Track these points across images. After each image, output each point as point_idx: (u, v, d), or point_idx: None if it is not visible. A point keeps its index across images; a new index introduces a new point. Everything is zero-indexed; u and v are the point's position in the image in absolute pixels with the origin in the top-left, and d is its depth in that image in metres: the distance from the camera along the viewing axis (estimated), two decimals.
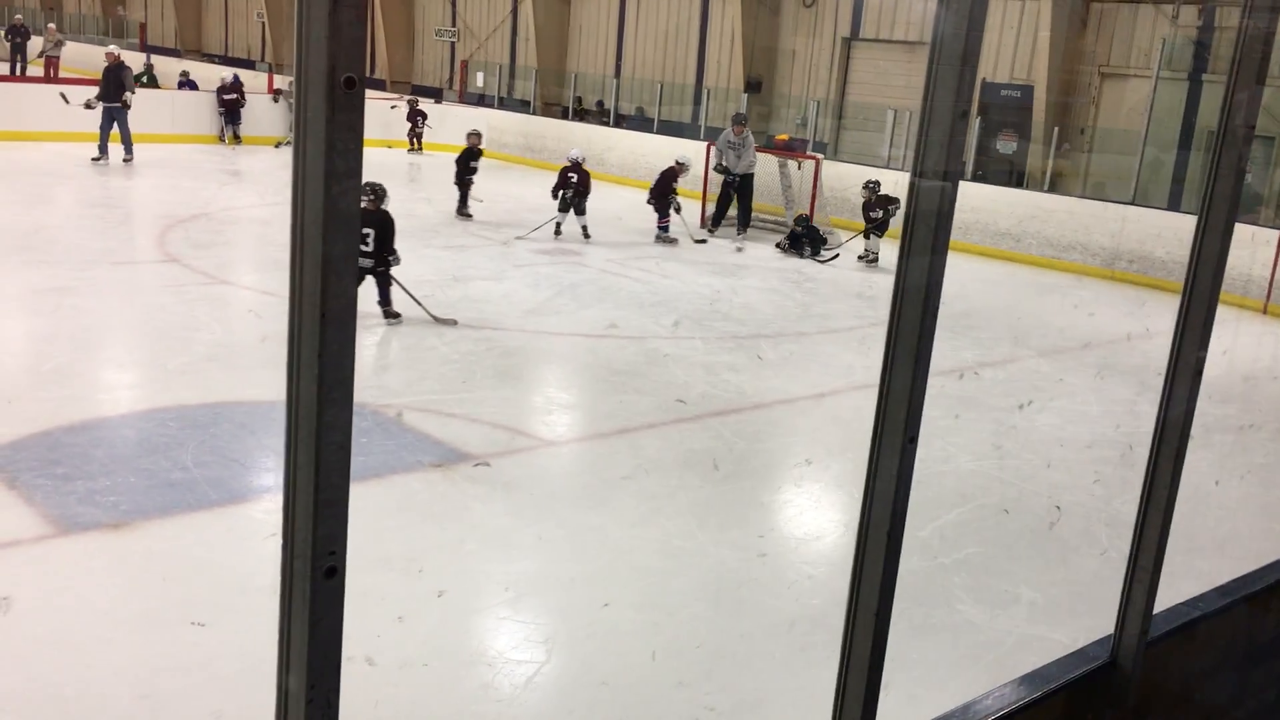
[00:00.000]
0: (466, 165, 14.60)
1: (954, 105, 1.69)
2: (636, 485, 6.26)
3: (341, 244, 1.12)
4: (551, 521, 5.69)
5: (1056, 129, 17.09)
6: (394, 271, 9.17)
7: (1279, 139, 15.65)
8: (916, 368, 1.82)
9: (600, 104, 24.60)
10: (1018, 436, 7.67)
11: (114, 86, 16.27)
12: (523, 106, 25.02)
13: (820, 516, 6.26)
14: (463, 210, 14.68)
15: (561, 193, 13.71)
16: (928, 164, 1.74)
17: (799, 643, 4.53)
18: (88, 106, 16.20)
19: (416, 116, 21.20)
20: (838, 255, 13.92)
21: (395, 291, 9.16)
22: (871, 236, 13.70)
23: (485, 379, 8.01)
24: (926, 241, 1.79)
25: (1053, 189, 16.54)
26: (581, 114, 24.64)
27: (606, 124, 22.70)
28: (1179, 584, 2.95)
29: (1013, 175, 18.10)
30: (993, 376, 9.29)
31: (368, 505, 5.60)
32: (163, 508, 5.35)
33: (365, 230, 8.75)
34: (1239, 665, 3.11)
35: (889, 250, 12.62)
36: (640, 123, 22.92)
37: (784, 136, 16.68)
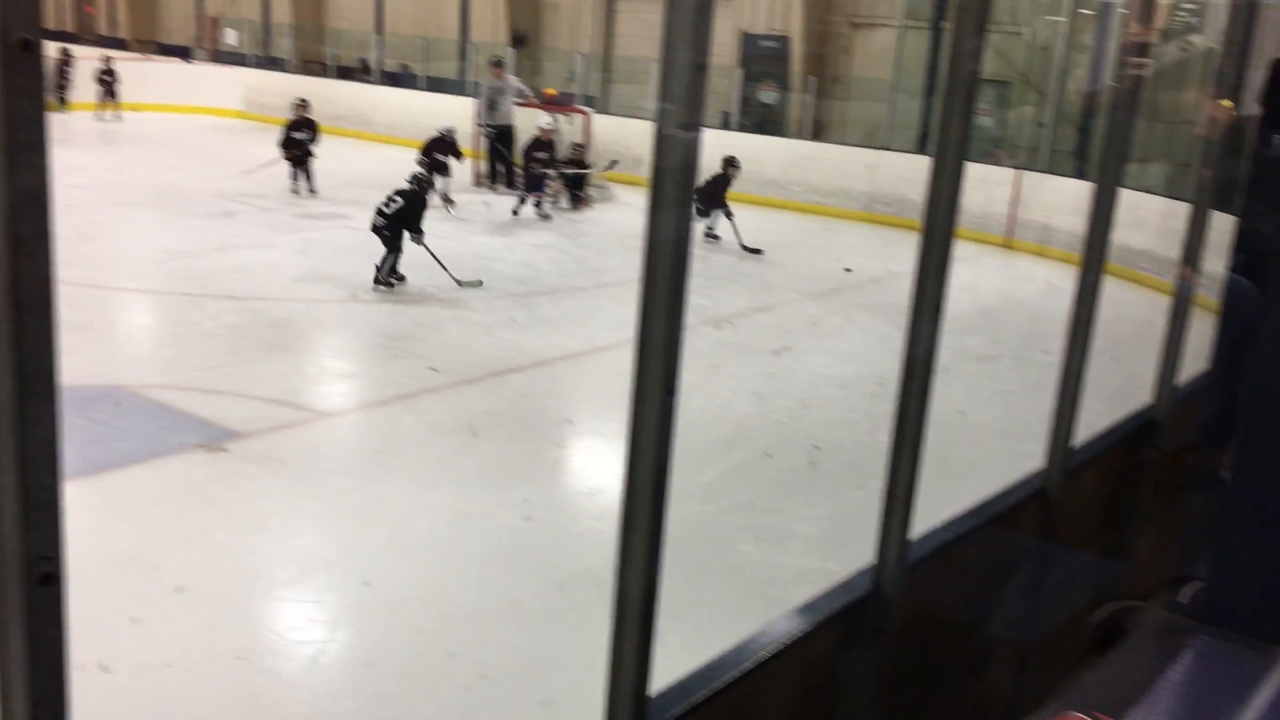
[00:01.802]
0: (289, 136, 13.83)
1: (692, 57, 1.70)
2: (413, 454, 6.15)
3: (31, 224, 1.03)
4: (328, 496, 5.53)
5: (813, 78, 17.68)
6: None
7: (1015, 84, 16.70)
8: (671, 321, 1.83)
9: (363, 61, 23.79)
10: (782, 380, 7.95)
11: None
12: (280, 65, 23.93)
13: (598, 472, 6.30)
14: (297, 190, 13.78)
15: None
16: (670, 117, 1.74)
17: (574, 601, 4.55)
18: None
19: (104, 76, 19.70)
20: (550, 217, 13.72)
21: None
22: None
23: (253, 352, 7.68)
24: (674, 195, 1.80)
25: (814, 137, 17.13)
26: (344, 72, 23.77)
27: (371, 82, 22.00)
28: (938, 509, 3.11)
29: (775, 124, 18.64)
30: (761, 322, 9.59)
31: (123, 495, 5.29)
32: None
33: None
34: (988, 583, 3.32)
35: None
36: (405, 80, 22.33)
37: (551, 91, 16.61)
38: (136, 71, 20.64)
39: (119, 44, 26.95)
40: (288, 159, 13.74)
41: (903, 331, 2.60)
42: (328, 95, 21.02)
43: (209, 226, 11.63)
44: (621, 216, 13.89)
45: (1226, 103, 3.99)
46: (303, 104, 14.10)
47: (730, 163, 12.72)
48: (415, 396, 7.02)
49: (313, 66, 23.80)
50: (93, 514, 4.86)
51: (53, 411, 1.08)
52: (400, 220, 9.43)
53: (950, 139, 2.51)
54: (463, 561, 4.95)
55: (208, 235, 11.18)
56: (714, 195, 12.49)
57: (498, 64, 15.10)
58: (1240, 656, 1.18)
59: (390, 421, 6.67)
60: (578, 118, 15.59)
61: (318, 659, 4.14)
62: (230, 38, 26.65)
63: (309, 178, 13.82)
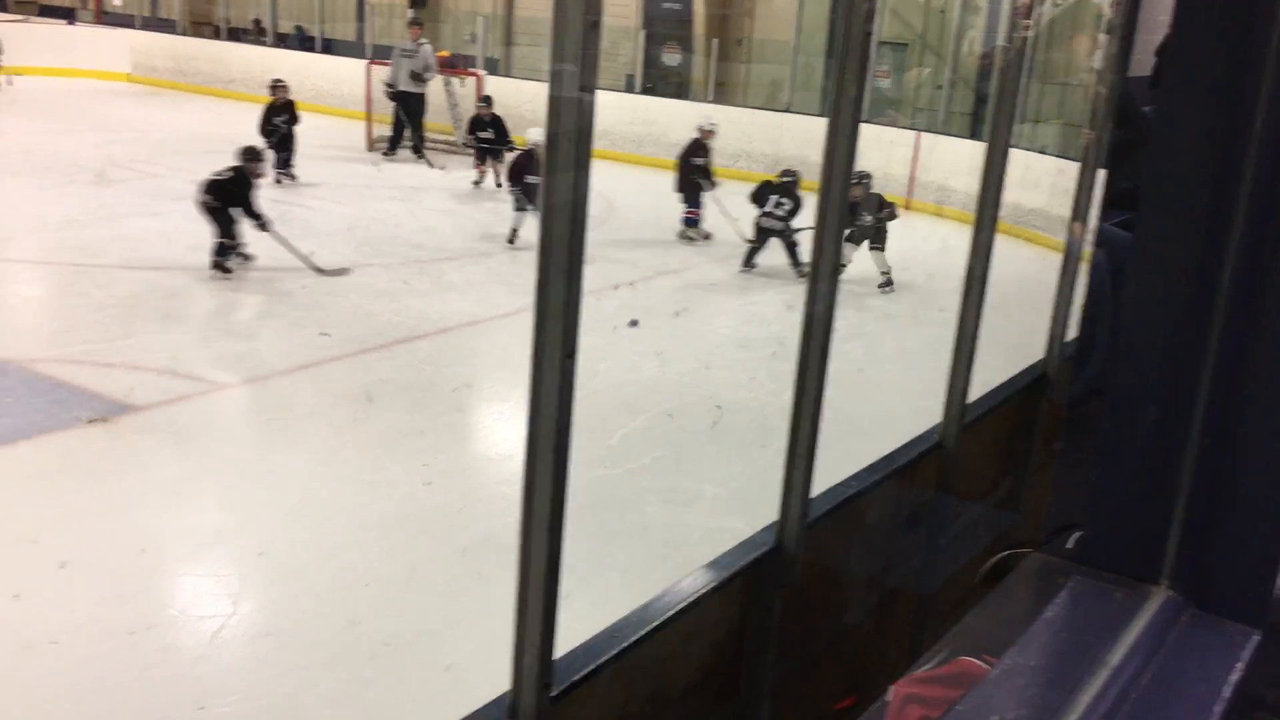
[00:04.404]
0: (270, 121, 12.58)
1: (585, 14, 1.68)
2: (312, 423, 6.06)
3: None
4: (223, 467, 5.42)
5: (715, 40, 17.68)
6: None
7: (912, 45, 16.91)
8: (570, 284, 1.82)
9: (257, 23, 23.12)
10: (683, 342, 7.99)
11: None
12: (169, 26, 23.13)
13: (502, 437, 6.28)
14: (283, 171, 12.51)
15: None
16: (564, 78, 1.72)
17: (476, 566, 4.54)
18: None
19: None
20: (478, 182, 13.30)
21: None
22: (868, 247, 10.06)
23: (147, 323, 7.46)
24: (570, 157, 1.79)
25: (716, 100, 17.15)
26: (236, 34, 23.07)
27: (266, 44, 21.40)
28: (839, 466, 3.17)
29: (680, 87, 18.61)
30: (659, 286, 9.61)
31: (14, 470, 5.13)
32: None
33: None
34: (889, 536, 3.40)
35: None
36: (301, 42, 21.77)
37: (445, 53, 16.33)
38: (17, 34, 19.76)
39: None
40: (269, 146, 12.10)
41: (799, 293, 2.63)
42: (219, 58, 20.46)
43: (95, 194, 11.24)
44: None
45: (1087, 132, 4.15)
46: (280, 85, 12.87)
47: (704, 130, 11.64)
48: (315, 366, 6.90)
49: (204, 28, 23.05)
50: None
51: None
52: (229, 198, 8.73)
53: (845, 99, 2.53)
54: (364, 530, 4.90)
55: (94, 203, 10.81)
56: (692, 171, 11.47)
57: (415, 23, 14.71)
58: (1113, 594, 1.22)
59: (288, 391, 6.55)
60: (471, 80, 15.38)
61: (218, 633, 4.07)
62: None
63: (288, 164, 12.61)
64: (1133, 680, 1.14)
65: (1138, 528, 1.29)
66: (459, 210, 12.04)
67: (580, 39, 1.70)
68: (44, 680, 3.70)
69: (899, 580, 3.52)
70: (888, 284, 9.84)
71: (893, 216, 10.00)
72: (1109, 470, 1.30)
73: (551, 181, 1.79)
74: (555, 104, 1.75)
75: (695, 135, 11.73)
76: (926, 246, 11.94)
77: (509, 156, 12.64)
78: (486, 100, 13.69)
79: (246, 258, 8.87)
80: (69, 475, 5.20)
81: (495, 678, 2.03)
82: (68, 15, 25.09)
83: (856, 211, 9.58)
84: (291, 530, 4.84)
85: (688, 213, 11.59)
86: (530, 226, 10.00)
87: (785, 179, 10.34)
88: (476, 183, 13.15)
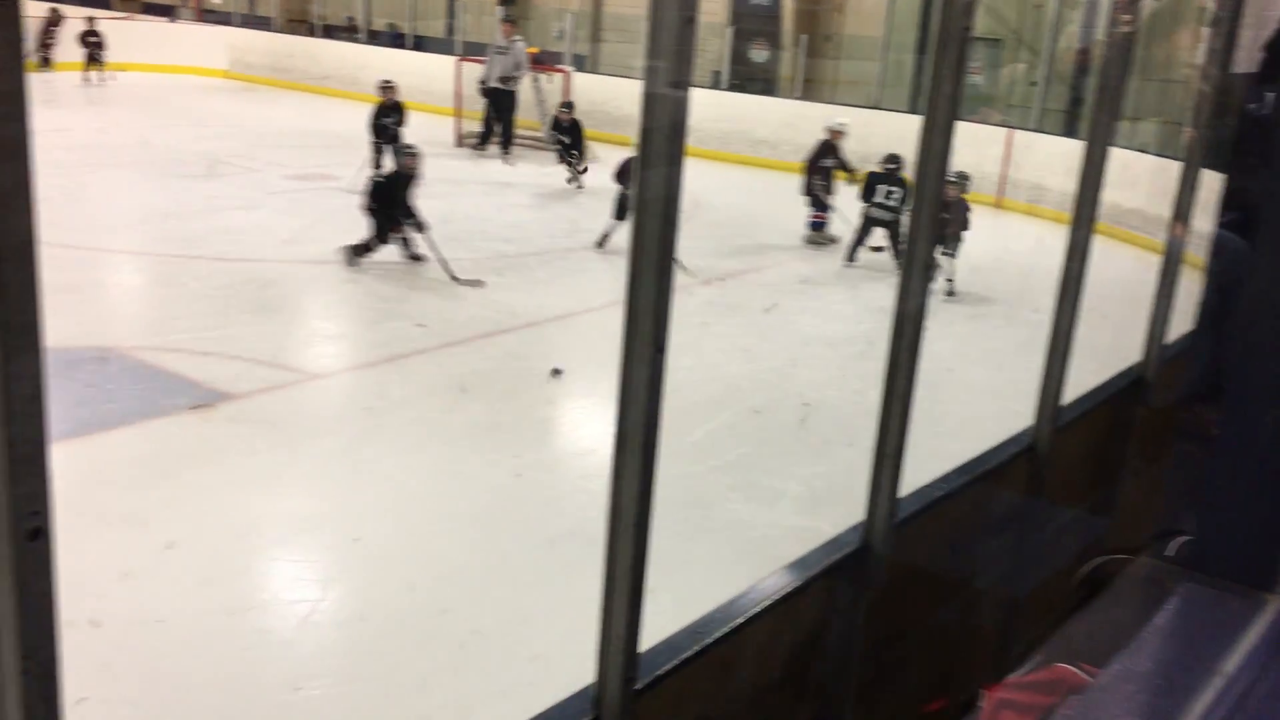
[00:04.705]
0: (378, 122, 12.49)
1: (681, 11, 1.68)
2: (404, 413, 6.16)
3: (12, 174, 1.01)
4: (318, 456, 5.54)
5: (804, 37, 17.55)
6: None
7: (1005, 40, 16.60)
8: (660, 278, 1.83)
9: (350, 20, 23.53)
10: (771, 338, 7.96)
11: None
12: (266, 23, 23.66)
13: (589, 431, 6.31)
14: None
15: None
16: (658, 74, 1.73)
17: (564, 558, 4.56)
18: None
19: (89, 37, 19.27)
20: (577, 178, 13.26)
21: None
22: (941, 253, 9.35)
23: (243, 314, 7.65)
24: (663, 152, 1.79)
25: (804, 96, 17.03)
26: (330, 31, 23.52)
27: (358, 41, 21.79)
28: (927, 466, 3.13)
29: (767, 84, 18.51)
30: (748, 282, 9.58)
31: (114, 455, 5.29)
32: None
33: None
34: (977, 539, 3.35)
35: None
36: (393, 39, 22.12)
37: (533, 50, 16.46)
38: (121, 31, 20.40)
39: (104, 3, 26.59)
40: (375, 146, 12.29)
41: (890, 291, 2.61)
42: (314, 55, 20.88)
43: (195, 187, 11.55)
44: (607, 177, 13.82)
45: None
46: (389, 86, 12.68)
47: (833, 130, 11.13)
48: (405, 358, 7.01)
49: (299, 26, 23.54)
50: (81, 474, 4.86)
51: (38, 365, 1.07)
52: (387, 198, 8.79)
53: (941, 95, 2.49)
54: (453, 520, 4.97)
55: (194, 196, 11.11)
56: (820, 174, 10.98)
57: (507, 20, 14.80)
58: (1226, 602, 1.19)
59: (379, 382, 6.67)
60: (558, 77, 15.46)
61: (309, 616, 4.16)
62: None
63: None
64: (1249, 689, 1.11)
65: (1254, 535, 1.25)
66: (546, 206, 12.13)
67: (676, 35, 1.70)
68: (149, 658, 3.81)
69: (987, 583, 3.47)
70: (951, 293, 9.24)
71: (965, 225, 9.42)
72: (1224, 476, 1.27)
73: (645, 177, 1.79)
74: (650, 100, 1.75)
75: (824, 137, 11.31)
76: (1019, 245, 11.73)
77: (587, 160, 12.72)
78: (568, 105, 13.73)
79: (416, 258, 8.93)
80: (170, 460, 5.35)
81: (580, 668, 2.05)
82: (169, 13, 25.79)
83: (951, 212, 9.09)
84: (384, 519, 4.93)
85: (814, 216, 11.19)
86: (623, 234, 9.38)
87: (890, 166, 10.09)
88: (570, 180, 13.16)
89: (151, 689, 3.66)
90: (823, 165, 11.12)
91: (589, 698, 2.00)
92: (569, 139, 13.17)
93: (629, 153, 9.62)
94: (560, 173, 13.36)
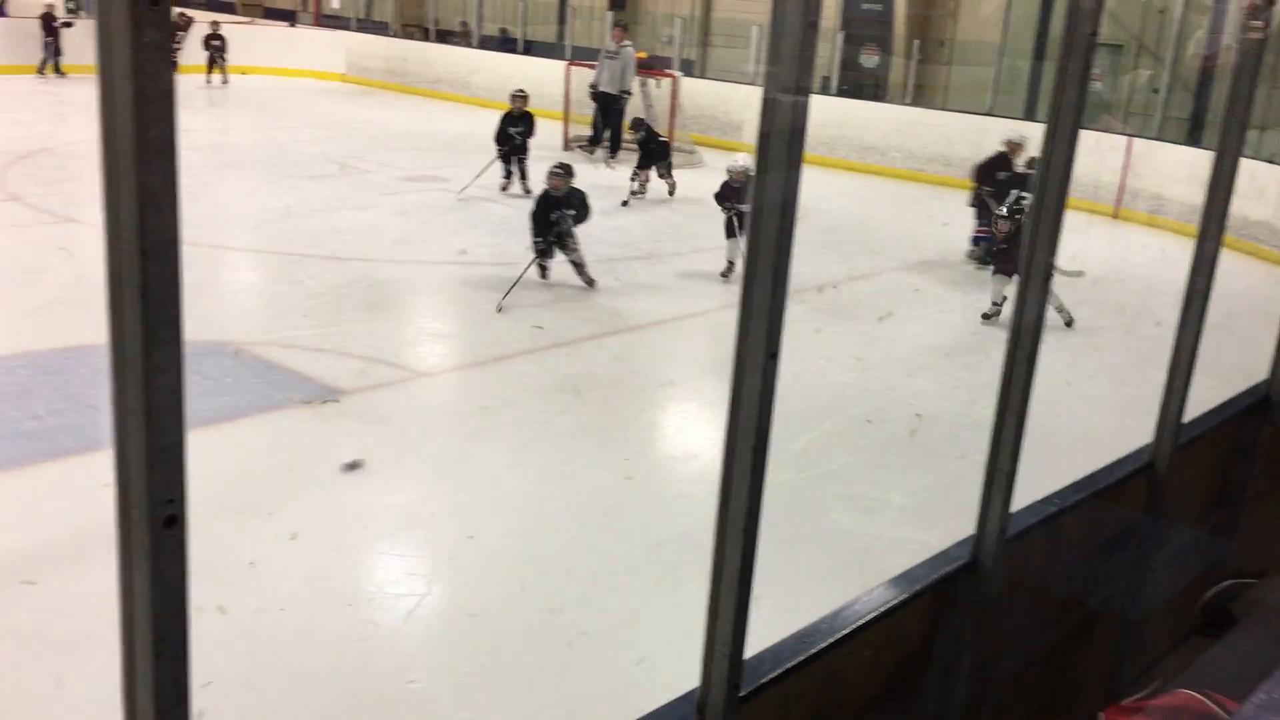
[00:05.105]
0: (505, 131, 12.02)
1: (803, 16, 1.67)
2: (511, 413, 6.23)
3: (159, 174, 1.05)
4: (425, 453, 5.63)
5: (917, 42, 17.30)
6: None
7: (1127, 46, 16.14)
8: (775, 284, 1.82)
9: (464, 24, 23.93)
10: (881, 347, 7.86)
11: None
12: (382, 28, 24.19)
13: (692, 436, 6.31)
14: (508, 186, 12.08)
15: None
16: (779, 79, 1.72)
17: (673, 562, 4.57)
18: None
19: (213, 41, 19.82)
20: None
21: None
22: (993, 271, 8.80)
23: (354, 312, 7.83)
24: (782, 157, 1.78)
25: (915, 102, 16.79)
26: (444, 35, 23.95)
27: (470, 46, 22.14)
28: (1039, 482, 3.06)
29: (876, 89, 18.30)
30: (858, 289, 9.47)
31: (233, 446, 5.45)
32: (15, 458, 5.12)
33: (569, 211, 8.40)
34: (1091, 557, 3.25)
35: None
36: (504, 44, 22.42)
37: (642, 54, 16.50)
38: (243, 35, 21.04)
39: (227, 8, 27.49)
40: (500, 155, 12.05)
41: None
42: (427, 59, 21.26)
43: (311, 187, 11.86)
44: (713, 181, 13.77)
45: None
46: (521, 95, 12.24)
47: (1011, 143, 10.33)
48: (512, 358, 7.09)
49: (413, 30, 24.02)
50: (203, 464, 5.00)
51: (178, 358, 1.11)
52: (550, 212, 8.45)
53: (1065, 102, 2.44)
54: (561, 520, 5.02)
55: (310, 196, 11.40)
56: (992, 186, 10.10)
57: (618, 25, 14.87)
58: None
59: (487, 382, 6.76)
60: (667, 81, 15.48)
61: (414, 610, 4.23)
62: (334, 1, 27.02)
63: (523, 176, 12.02)
64: None
65: None
66: (651, 211, 12.15)
67: (798, 40, 1.69)
68: (270, 645, 3.93)
69: (1101, 603, 3.37)
70: (1069, 321, 8.35)
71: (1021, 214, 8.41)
72: None
73: (762, 181, 1.79)
74: (770, 104, 1.74)
75: (1000, 149, 10.56)
76: (1139, 258, 11.38)
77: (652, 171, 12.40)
78: (637, 123, 13.25)
79: (543, 271, 8.63)
80: (287, 452, 5.51)
81: (685, 672, 2.04)
82: (289, 18, 26.55)
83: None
84: (495, 517, 5.00)
85: (978, 231, 10.42)
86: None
87: (1027, 171, 9.57)
88: (670, 188, 12.92)
89: (272, 676, 3.77)
90: (998, 177, 10.26)
91: (693, 702, 2.00)
92: (650, 150, 12.69)
93: (734, 161, 9.58)
94: (666, 177, 13.34)
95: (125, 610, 1.19)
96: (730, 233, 9.23)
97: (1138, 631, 3.56)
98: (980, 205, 10.42)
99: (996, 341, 2.55)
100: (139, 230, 1.06)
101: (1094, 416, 6.49)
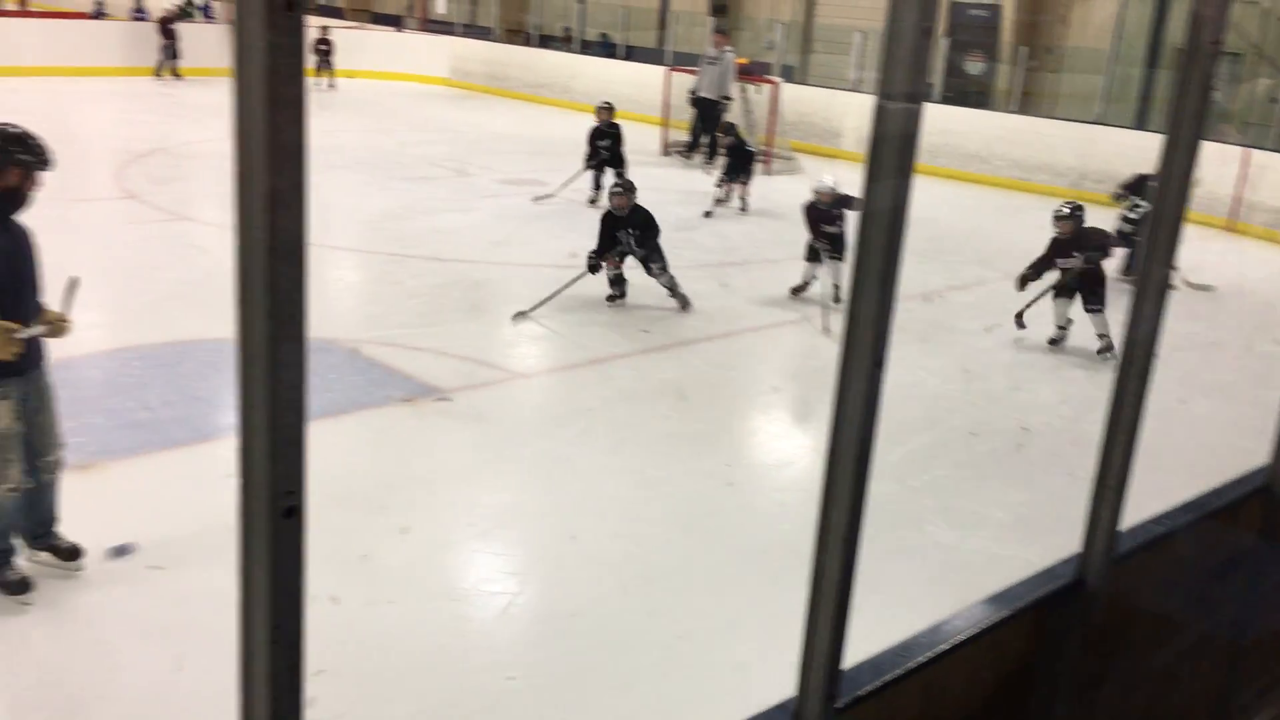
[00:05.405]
0: (594, 144, 11.98)
1: (918, 21, 1.65)
2: (607, 416, 6.27)
3: (289, 176, 1.09)
4: (523, 454, 5.69)
5: (1024, 48, 16.97)
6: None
7: (1245, 55, 15.62)
8: (883, 292, 1.80)
9: (566, 30, 24.17)
10: (985, 359, 7.72)
11: None
12: (485, 33, 24.55)
13: (790, 443, 6.29)
14: (596, 199, 11.61)
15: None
16: (892, 84, 1.70)
17: (770, 569, 4.55)
18: None
19: (320, 46, 20.20)
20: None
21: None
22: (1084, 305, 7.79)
23: (453, 312, 7.96)
24: (892, 164, 1.76)
25: (1020, 110, 16.47)
26: (546, 40, 24.22)
27: (572, 51, 22.34)
28: (1147, 502, 2.97)
29: (981, 96, 18.00)
30: (961, 300, 9.31)
31: (337, 442, 5.57)
32: (130, 448, 5.30)
33: (632, 230, 8.15)
34: (1203, 580, 3.15)
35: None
36: (605, 49, 22.57)
37: (743, 60, 16.47)
38: (351, 40, 21.54)
39: (336, 13, 28.18)
40: (588, 168, 11.95)
41: (1113, 314, 2.49)
42: (529, 64, 21.51)
43: (413, 189, 12.08)
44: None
45: None
46: (606, 107, 12.17)
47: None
48: (607, 361, 7.13)
49: (516, 35, 24.33)
50: (318, 457, 5.14)
51: (301, 354, 1.14)
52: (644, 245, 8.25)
53: (1186, 112, 2.37)
54: (659, 524, 5.04)
55: (412, 198, 11.62)
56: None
57: (719, 31, 14.89)
58: None
59: (585, 384, 6.81)
60: (767, 87, 15.42)
61: (505, 609, 4.28)
62: (440, 6, 27.49)
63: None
64: None
65: None
66: (748, 217, 12.12)
67: (913, 45, 1.67)
68: (379, 636, 4.02)
69: (1212, 627, 3.26)
70: (1108, 348, 7.48)
71: (1105, 255, 7.93)
72: None
73: (872, 187, 1.77)
74: (882, 111, 1.72)
75: (1140, 172, 9.75)
76: (1257, 272, 11.00)
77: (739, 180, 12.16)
78: (728, 127, 13.11)
79: (616, 296, 8.40)
80: (391, 448, 5.63)
81: (783, 680, 2.03)
82: (396, 23, 27.12)
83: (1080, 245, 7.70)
84: (595, 518, 5.04)
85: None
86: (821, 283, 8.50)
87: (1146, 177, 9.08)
88: (743, 204, 12.44)
89: (380, 667, 3.85)
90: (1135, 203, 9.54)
91: (789, 711, 1.99)
92: (728, 162, 12.46)
93: (820, 181, 8.92)
94: (761, 183, 13.29)
95: (244, 597, 1.22)
96: (812, 257, 8.72)
97: (1249, 657, 3.43)
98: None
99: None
100: (269, 230, 1.09)
101: (1207, 435, 6.29)
